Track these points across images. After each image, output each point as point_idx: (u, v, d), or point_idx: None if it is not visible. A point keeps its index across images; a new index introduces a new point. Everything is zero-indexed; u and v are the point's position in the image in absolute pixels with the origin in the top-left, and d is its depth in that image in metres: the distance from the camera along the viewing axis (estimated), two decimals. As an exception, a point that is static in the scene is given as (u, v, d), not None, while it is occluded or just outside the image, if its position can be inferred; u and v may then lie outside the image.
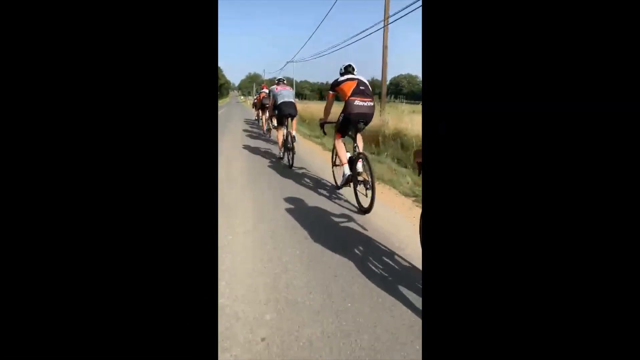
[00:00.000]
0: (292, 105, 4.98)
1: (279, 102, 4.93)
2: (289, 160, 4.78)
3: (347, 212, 2.88)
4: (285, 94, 5.04)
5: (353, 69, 3.23)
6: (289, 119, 5.00)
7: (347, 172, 3.08)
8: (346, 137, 3.24)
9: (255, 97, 14.94)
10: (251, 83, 78.22)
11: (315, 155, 5.78)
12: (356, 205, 3.00)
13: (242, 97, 62.88)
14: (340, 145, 3.20)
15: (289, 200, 3.15)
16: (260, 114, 10.69)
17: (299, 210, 2.86)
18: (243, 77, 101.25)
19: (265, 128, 8.59)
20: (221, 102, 40.36)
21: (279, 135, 5.15)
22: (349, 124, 3.02)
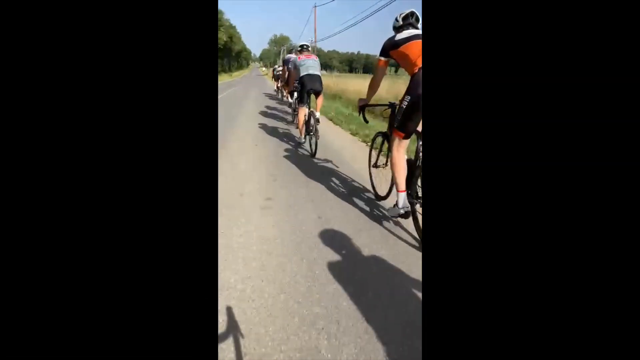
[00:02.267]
0: (317, 79, 4.10)
1: (301, 75, 4.10)
2: (310, 146, 4.05)
3: (402, 247, 1.91)
4: (310, 65, 4.14)
5: (417, 20, 2.03)
6: (313, 95, 4.23)
7: (404, 203, 1.96)
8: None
9: (279, 67, 13.61)
10: (277, 49, 71.12)
11: (341, 140, 4.79)
12: (416, 236, 2.02)
13: (263, 69, 60.78)
14: (400, 155, 1.96)
15: (317, 233, 2.08)
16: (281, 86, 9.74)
17: (333, 257, 1.89)
18: (265, 45, 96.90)
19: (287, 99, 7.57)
20: (238, 75, 38.11)
21: (300, 115, 4.30)
22: (418, 114, 1.84)
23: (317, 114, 3.91)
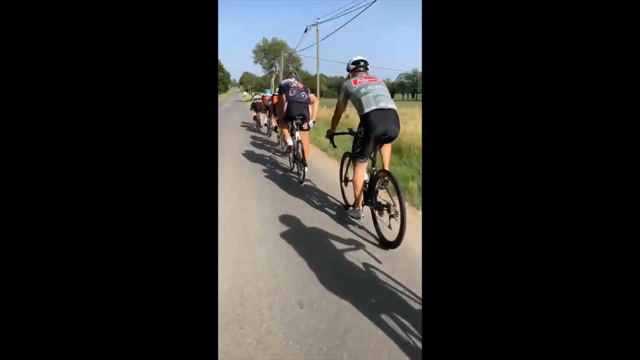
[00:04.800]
0: (392, 116, 2.54)
1: (366, 111, 2.53)
2: (379, 231, 2.63)
3: None
4: (378, 92, 2.57)
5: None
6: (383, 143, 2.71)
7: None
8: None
9: (256, 96, 11.86)
10: (266, 61, 47.58)
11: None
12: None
13: (245, 94, 58.37)
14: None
15: None
16: (265, 119, 8.03)
17: None
18: (246, 68, 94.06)
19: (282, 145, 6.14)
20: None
21: (358, 175, 2.67)
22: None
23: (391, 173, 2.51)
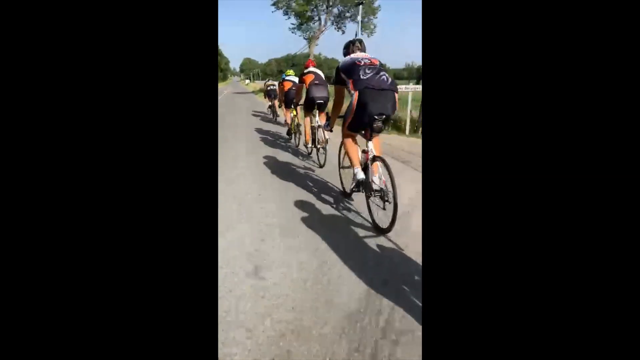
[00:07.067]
0: None
1: None
2: None
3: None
4: None
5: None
6: None
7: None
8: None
9: (269, 82, 9.66)
10: (300, 3, 21.00)
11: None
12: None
13: (247, 81, 55.10)
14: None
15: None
16: (295, 120, 5.54)
17: None
18: (247, 54, 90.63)
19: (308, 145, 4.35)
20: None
21: None
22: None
23: None
